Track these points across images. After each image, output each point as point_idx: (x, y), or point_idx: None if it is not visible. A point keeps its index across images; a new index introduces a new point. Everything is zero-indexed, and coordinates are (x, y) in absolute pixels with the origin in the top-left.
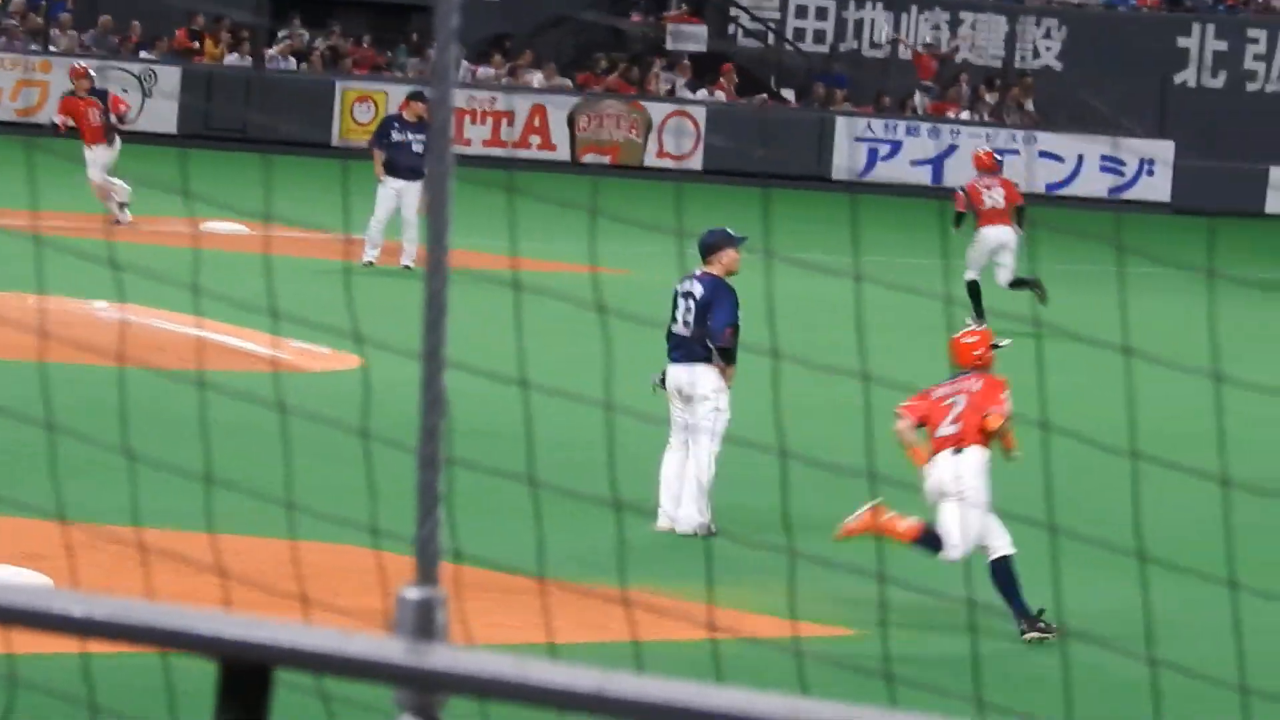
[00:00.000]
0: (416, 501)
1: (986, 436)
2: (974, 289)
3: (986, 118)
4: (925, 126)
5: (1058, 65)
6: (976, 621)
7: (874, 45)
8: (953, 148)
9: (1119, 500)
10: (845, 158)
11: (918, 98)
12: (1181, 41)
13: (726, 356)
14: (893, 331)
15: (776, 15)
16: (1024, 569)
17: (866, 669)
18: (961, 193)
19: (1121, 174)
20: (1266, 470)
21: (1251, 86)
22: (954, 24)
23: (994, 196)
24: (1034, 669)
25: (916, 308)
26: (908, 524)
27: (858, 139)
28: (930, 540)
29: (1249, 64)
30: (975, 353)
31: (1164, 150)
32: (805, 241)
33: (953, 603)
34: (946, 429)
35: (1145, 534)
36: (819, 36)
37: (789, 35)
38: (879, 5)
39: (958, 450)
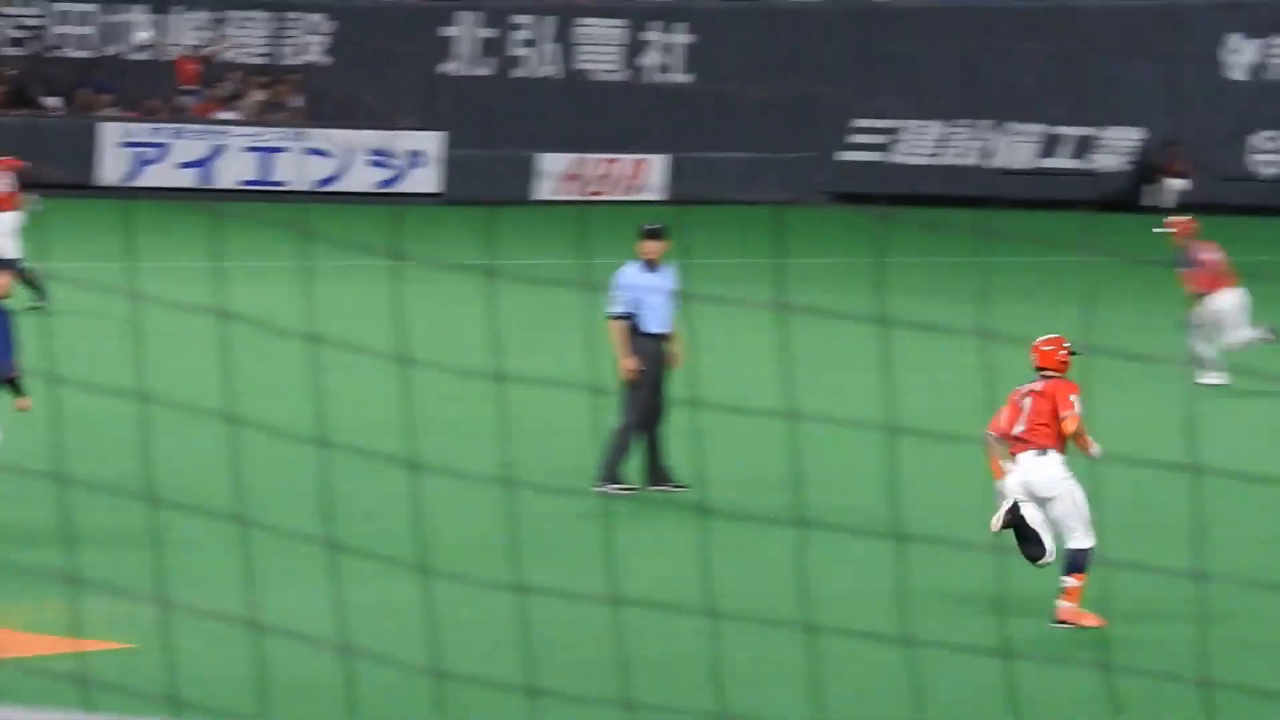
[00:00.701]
0: None
1: (1062, 439)
2: None
3: (254, 116)
4: (192, 129)
5: (326, 60)
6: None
7: (138, 49)
8: (220, 148)
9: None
10: (112, 164)
11: (185, 99)
12: (447, 30)
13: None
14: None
15: (40, 22)
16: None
17: (147, 688)
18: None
19: (391, 168)
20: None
21: (518, 73)
22: (218, 24)
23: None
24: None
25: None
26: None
27: (125, 144)
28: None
29: (515, 50)
30: (1059, 357)
31: (433, 142)
32: (76, 252)
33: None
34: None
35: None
36: (84, 42)
37: (53, 41)
38: (141, 8)
39: (1042, 453)
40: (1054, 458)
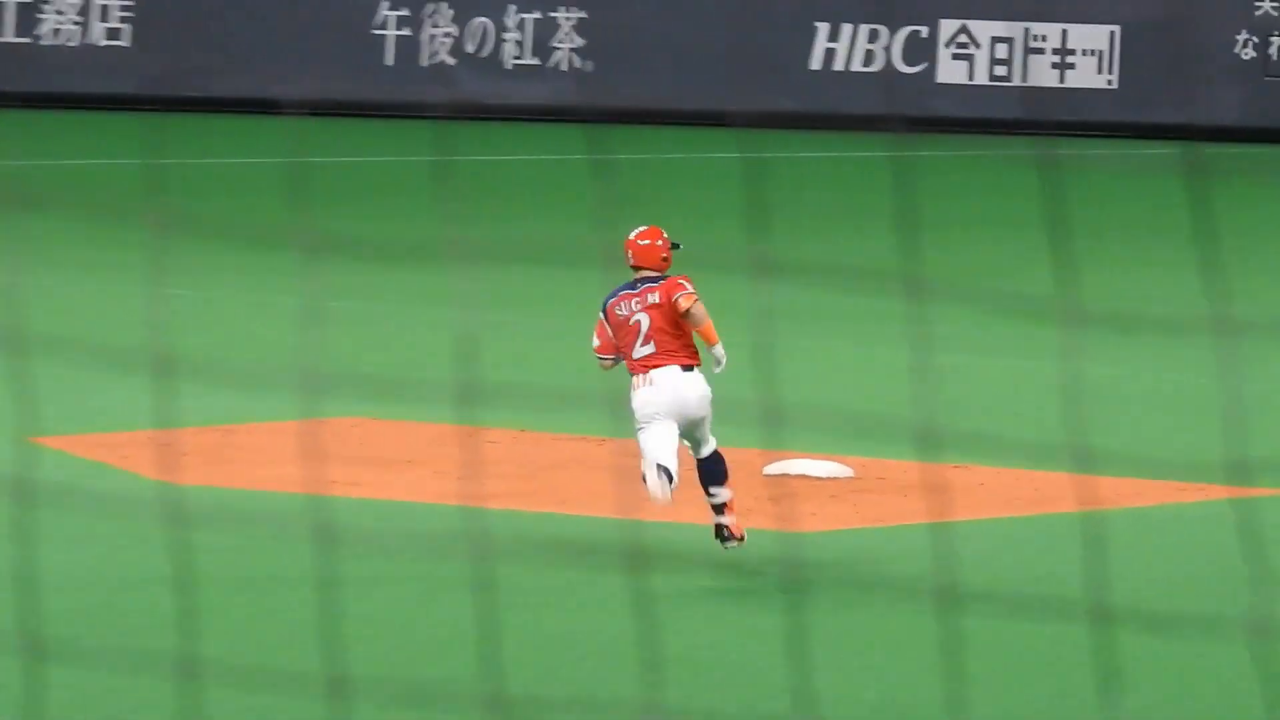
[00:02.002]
0: None
1: (692, 345)
2: None
3: None
4: None
5: None
6: None
7: None
8: None
9: None
10: None
11: None
12: None
13: None
14: None
15: None
16: None
17: None
18: None
19: None
20: None
21: None
22: None
23: None
24: None
25: None
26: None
27: None
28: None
29: None
30: (663, 255)
31: None
32: None
33: None
34: (641, 349)
35: None
36: None
37: None
38: None
39: (688, 369)
40: (698, 374)
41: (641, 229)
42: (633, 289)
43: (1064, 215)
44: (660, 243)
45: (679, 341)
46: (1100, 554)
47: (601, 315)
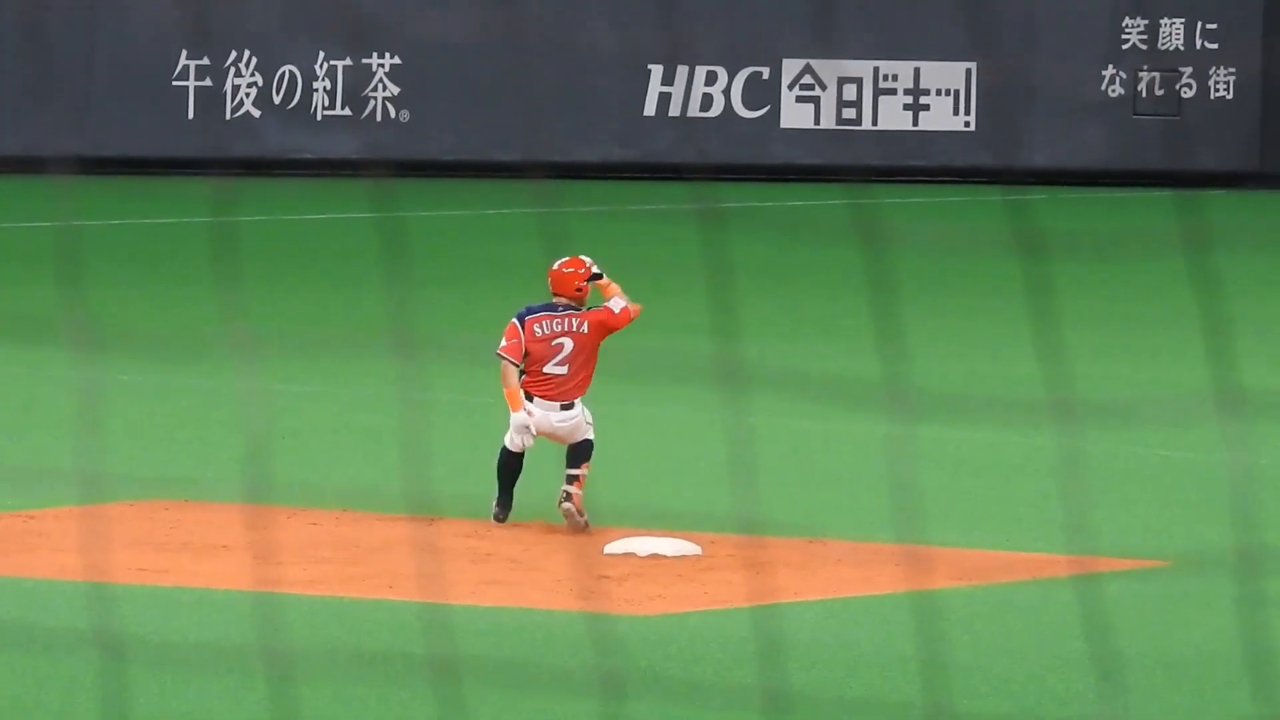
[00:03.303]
0: None
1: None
2: None
3: None
4: None
5: None
6: None
7: None
8: None
9: None
10: None
11: None
12: None
13: None
14: None
15: None
16: None
17: None
18: None
19: None
20: None
21: None
22: None
23: None
24: None
25: None
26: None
27: None
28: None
29: None
30: (577, 285)
31: None
32: None
33: None
34: (555, 369)
35: None
36: None
37: None
38: None
39: (569, 406)
40: (577, 407)
41: (565, 259)
42: (553, 310)
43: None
44: (582, 271)
45: (583, 373)
46: (936, 628)
47: (518, 323)
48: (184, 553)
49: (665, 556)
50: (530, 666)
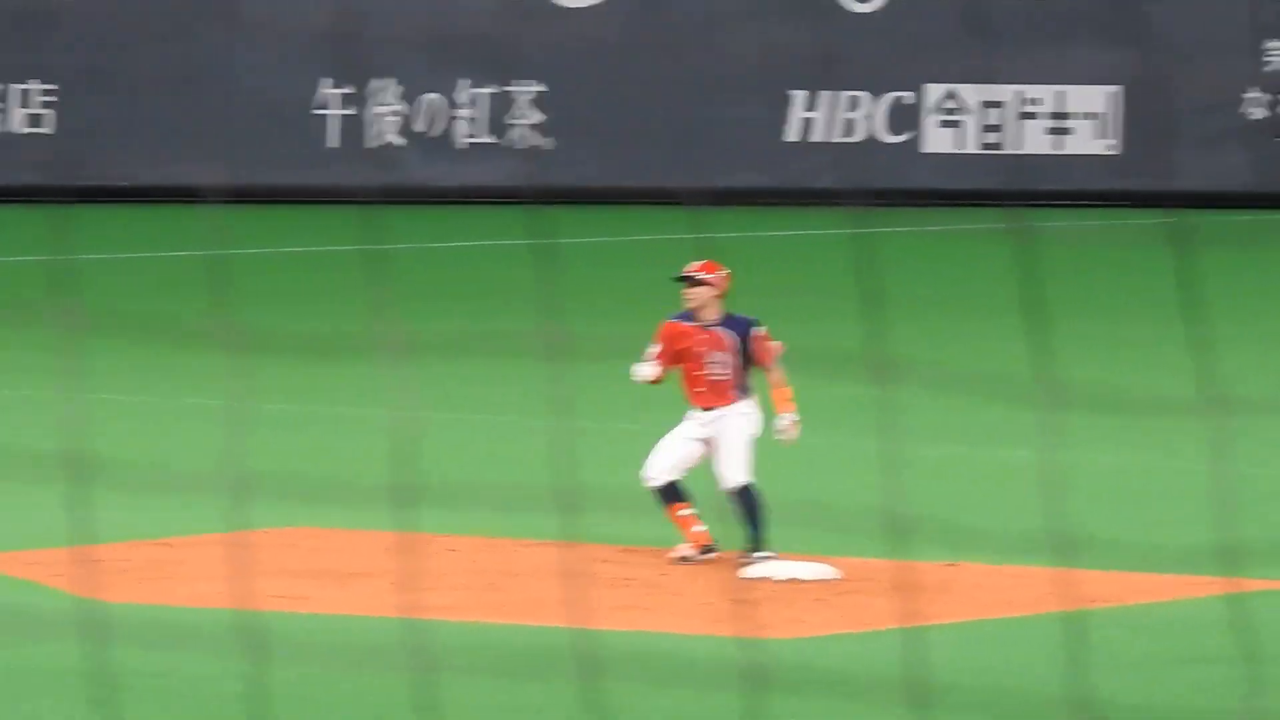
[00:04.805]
0: None
1: None
2: None
3: None
4: None
5: None
6: None
7: None
8: None
9: None
10: None
11: None
12: None
13: None
14: None
15: None
16: None
17: None
18: None
19: None
20: None
21: None
22: None
23: None
24: None
25: None
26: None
27: None
28: None
29: None
30: None
31: None
32: None
33: None
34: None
35: None
36: None
37: None
38: None
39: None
40: None
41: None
42: None
43: (1040, 293)
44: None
45: None
46: (1084, 653)
47: None
48: (326, 578)
49: (803, 580)
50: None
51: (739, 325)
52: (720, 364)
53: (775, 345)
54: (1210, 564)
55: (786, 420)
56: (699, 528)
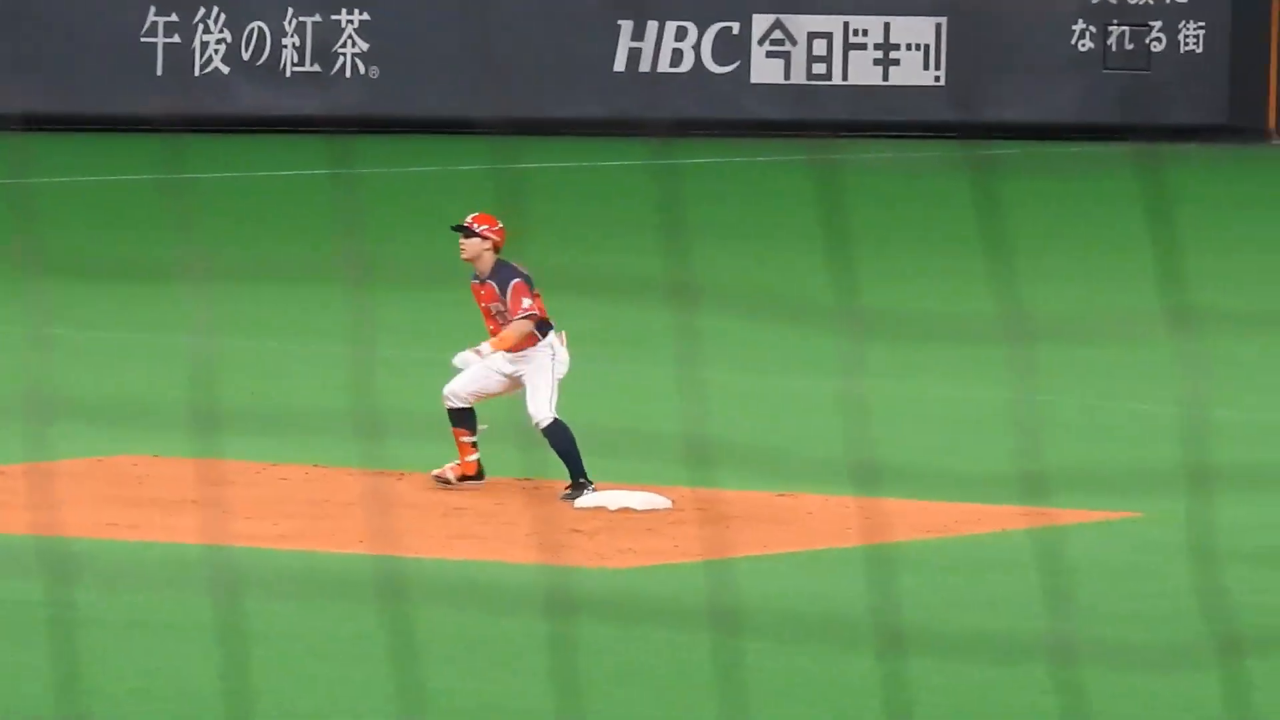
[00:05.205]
0: None
1: None
2: None
3: None
4: None
5: None
6: None
7: None
8: None
9: None
10: None
11: None
12: None
13: None
14: None
15: None
16: None
17: None
18: None
19: None
20: None
21: None
22: None
23: None
24: None
25: None
26: None
27: None
28: None
29: None
30: None
31: None
32: None
33: None
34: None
35: None
36: None
37: None
38: None
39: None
40: None
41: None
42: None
43: (843, 221)
44: None
45: None
46: (890, 581)
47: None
48: (152, 508)
49: (636, 510)
50: (487, 620)
51: (505, 275)
52: (500, 314)
53: (528, 305)
54: (1012, 493)
55: (469, 351)
56: (472, 457)
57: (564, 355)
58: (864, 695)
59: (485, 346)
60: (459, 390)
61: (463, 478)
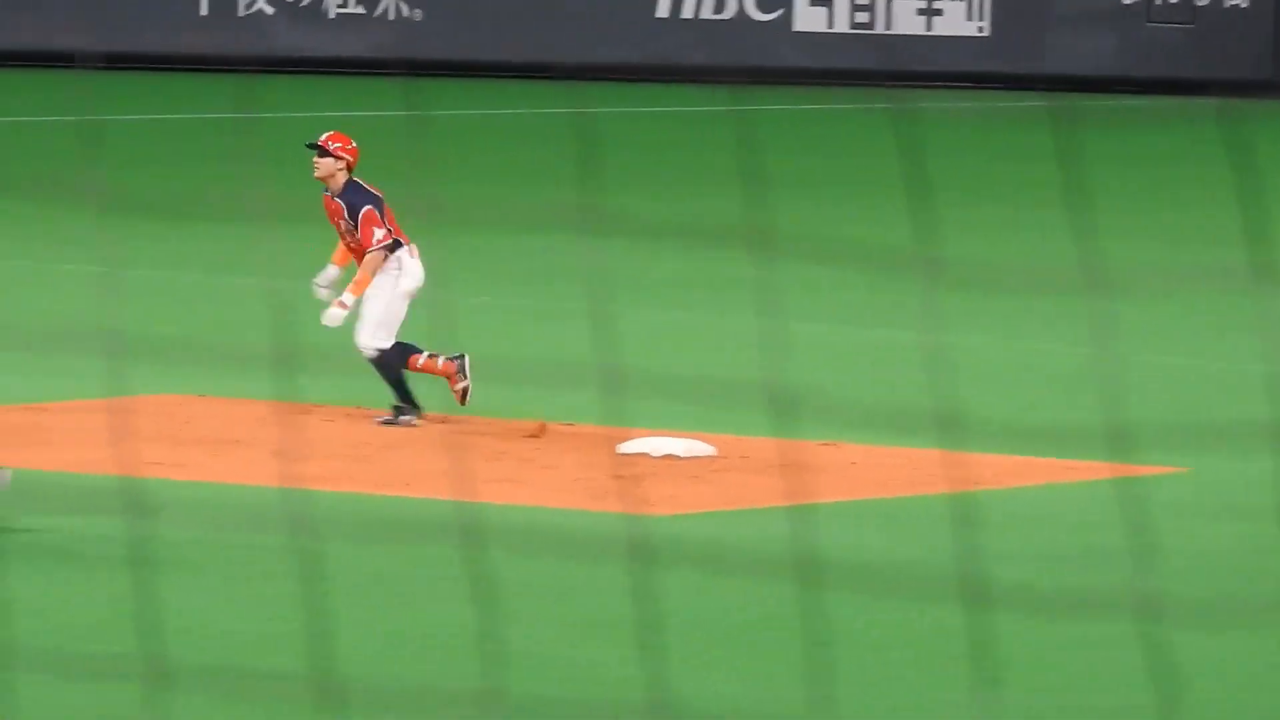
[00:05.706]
0: None
1: None
2: None
3: None
4: None
5: None
6: None
7: None
8: None
9: None
10: None
11: None
12: None
13: None
14: None
15: None
16: None
17: None
18: None
19: None
20: None
21: None
22: None
23: None
24: None
25: None
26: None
27: None
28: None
29: None
30: None
31: None
32: None
33: None
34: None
35: None
36: None
37: None
38: None
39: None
40: None
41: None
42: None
43: (923, 172)
44: None
45: None
46: (976, 534)
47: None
48: (204, 445)
49: (679, 458)
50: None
51: (356, 200)
52: (350, 233)
53: (380, 237)
54: (1095, 448)
55: (335, 307)
56: (441, 362)
57: (414, 268)
58: (950, 647)
59: (347, 296)
60: (368, 342)
61: (464, 393)
